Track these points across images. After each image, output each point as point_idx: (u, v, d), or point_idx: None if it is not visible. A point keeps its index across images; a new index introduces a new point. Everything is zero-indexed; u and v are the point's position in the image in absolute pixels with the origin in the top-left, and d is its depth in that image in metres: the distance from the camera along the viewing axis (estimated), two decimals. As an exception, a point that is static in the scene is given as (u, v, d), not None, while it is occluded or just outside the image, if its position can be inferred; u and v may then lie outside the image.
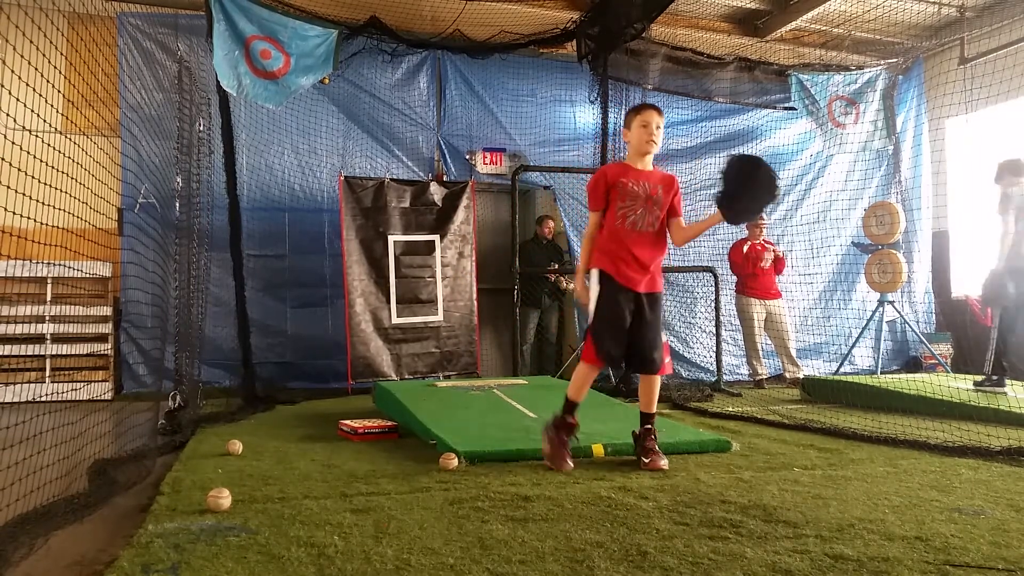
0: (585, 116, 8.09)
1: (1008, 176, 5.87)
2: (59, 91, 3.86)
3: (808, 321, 8.46)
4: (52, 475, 2.80)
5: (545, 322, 8.25)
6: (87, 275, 6.65)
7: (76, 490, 2.87)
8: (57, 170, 3.08)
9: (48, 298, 6.63)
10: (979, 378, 6.01)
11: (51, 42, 3.61)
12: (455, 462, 3.39)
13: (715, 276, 7.46)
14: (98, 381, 6.74)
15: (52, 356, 6.62)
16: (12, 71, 2.88)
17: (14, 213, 2.63)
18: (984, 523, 2.49)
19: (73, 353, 6.70)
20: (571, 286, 3.86)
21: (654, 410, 3.54)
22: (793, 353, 7.64)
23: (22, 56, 2.99)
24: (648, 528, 2.44)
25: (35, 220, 2.81)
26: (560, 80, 8.30)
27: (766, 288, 7.63)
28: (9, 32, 3.09)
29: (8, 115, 2.69)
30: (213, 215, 6.34)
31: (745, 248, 7.64)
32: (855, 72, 8.42)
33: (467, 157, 8.05)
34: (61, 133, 3.32)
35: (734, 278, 7.79)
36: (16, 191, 2.68)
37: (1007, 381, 5.81)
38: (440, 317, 7.33)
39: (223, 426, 4.82)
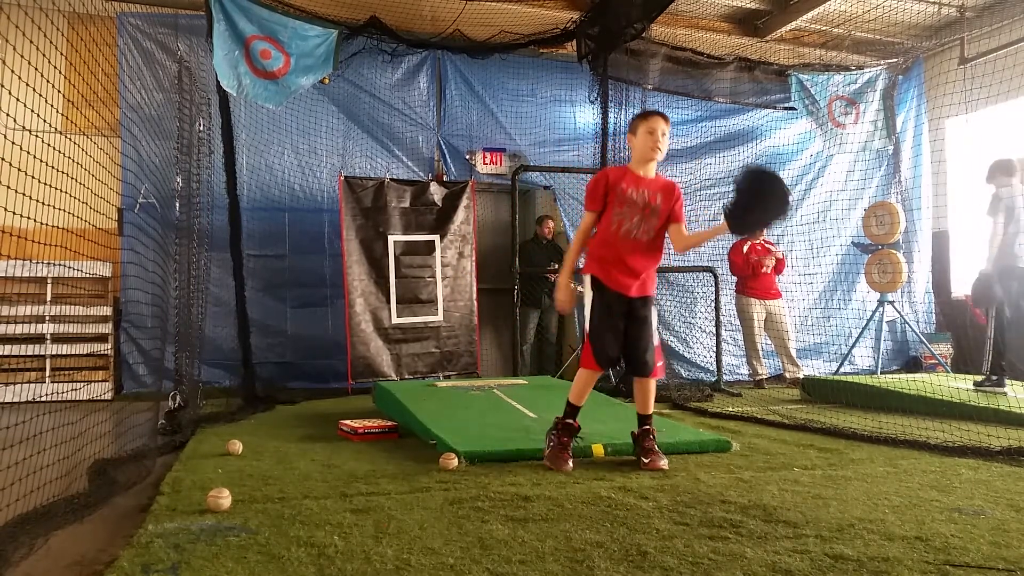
0: (585, 116, 8.09)
1: (1000, 176, 5.88)
2: (59, 91, 3.85)
3: (808, 321, 8.46)
4: (52, 475, 2.80)
5: (545, 322, 8.25)
6: (87, 275, 6.65)
7: (76, 490, 2.87)
8: (57, 170, 3.08)
9: (48, 298, 6.63)
10: (979, 378, 6.01)
11: (51, 42, 3.61)
12: (455, 462, 3.39)
13: (715, 276, 7.46)
14: (98, 381, 6.74)
15: (52, 356, 6.62)
16: (12, 71, 2.88)
17: (14, 213, 2.63)
18: (984, 523, 2.49)
19: (73, 353, 6.70)
20: (580, 288, 3.85)
21: (651, 411, 3.54)
22: (793, 353, 7.64)
23: (22, 56, 2.99)
24: (648, 528, 2.44)
25: (35, 220, 2.81)
26: (560, 80, 8.30)
27: (766, 288, 7.63)
28: (9, 32, 3.09)
29: (8, 115, 2.69)
30: (213, 215, 6.34)
31: (745, 248, 7.64)
32: (855, 72, 8.42)
33: (467, 157, 8.05)
34: (61, 133, 3.32)
35: (734, 278, 7.79)
36: (16, 191, 2.68)
37: (1007, 381, 5.81)
38: (440, 317, 7.33)
39: (223, 426, 4.82)
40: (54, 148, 3.10)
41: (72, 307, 6.65)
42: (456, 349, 7.38)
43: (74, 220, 3.29)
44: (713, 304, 7.51)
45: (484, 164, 8.05)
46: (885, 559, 2.11)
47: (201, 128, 6.13)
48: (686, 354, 8.12)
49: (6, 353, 6.52)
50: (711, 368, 7.67)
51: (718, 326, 7.39)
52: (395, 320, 7.16)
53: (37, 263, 5.90)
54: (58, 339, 6.64)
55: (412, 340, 7.23)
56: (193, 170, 5.84)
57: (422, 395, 5.18)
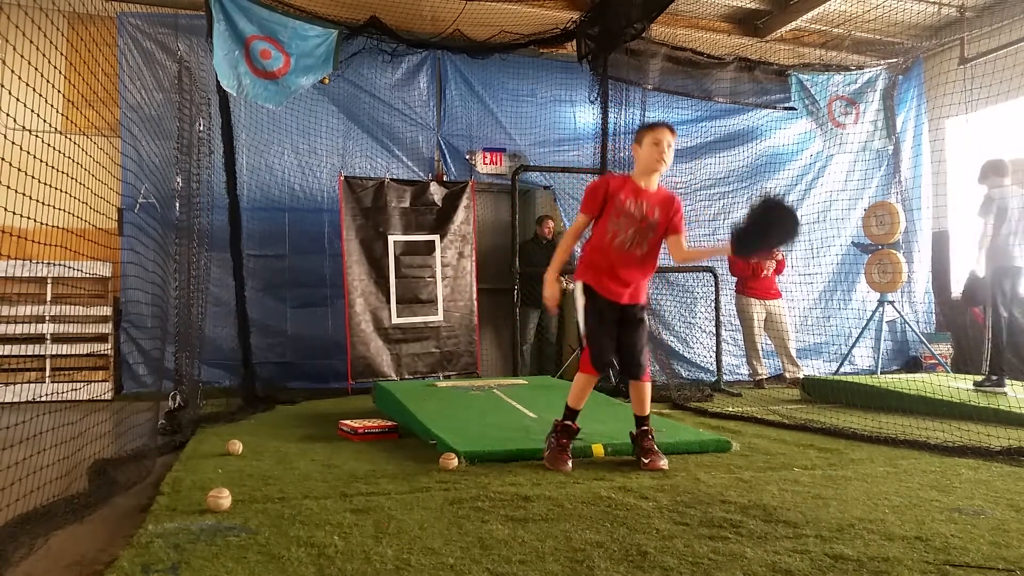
0: (585, 116, 8.09)
1: (993, 177, 5.89)
2: (59, 91, 3.86)
3: (808, 321, 8.46)
4: (52, 475, 2.80)
5: (545, 322, 8.26)
6: (87, 275, 6.65)
7: (76, 490, 2.87)
8: (57, 170, 3.08)
9: (48, 298, 6.63)
10: (979, 378, 6.01)
11: (51, 42, 3.61)
12: (455, 462, 3.40)
13: (715, 276, 7.46)
14: (98, 381, 6.74)
15: (52, 356, 6.62)
16: (12, 71, 2.88)
17: (14, 213, 2.63)
18: (984, 523, 2.49)
19: (73, 353, 6.70)
20: (571, 286, 3.84)
21: (647, 412, 3.54)
22: (793, 353, 7.64)
23: (22, 56, 2.99)
24: (648, 528, 2.44)
25: (35, 220, 2.81)
26: (560, 80, 8.30)
27: (766, 288, 7.64)
28: (9, 32, 3.09)
29: (8, 115, 2.69)
30: (213, 215, 6.34)
31: (745, 248, 7.63)
32: (855, 72, 8.42)
33: (467, 157, 8.05)
34: (61, 133, 3.32)
35: (734, 278, 7.79)
36: (16, 191, 2.68)
37: (1007, 381, 5.82)
38: (440, 317, 7.33)
39: (223, 426, 4.82)
40: (54, 148, 3.10)
41: (72, 307, 6.65)
42: (456, 349, 7.38)
43: (74, 220, 3.29)
44: (713, 304, 7.51)
45: (484, 164, 8.06)
46: (885, 559, 2.11)
47: (201, 128, 6.13)
48: (686, 354, 8.12)
49: (6, 353, 6.52)
50: (711, 368, 7.67)
51: (718, 326, 7.39)
52: (395, 320, 7.16)
53: (37, 263, 5.90)
54: (58, 339, 6.64)
55: (412, 340, 7.23)
56: (193, 170, 5.84)
57: (422, 395, 5.18)
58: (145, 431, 4.33)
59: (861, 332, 8.05)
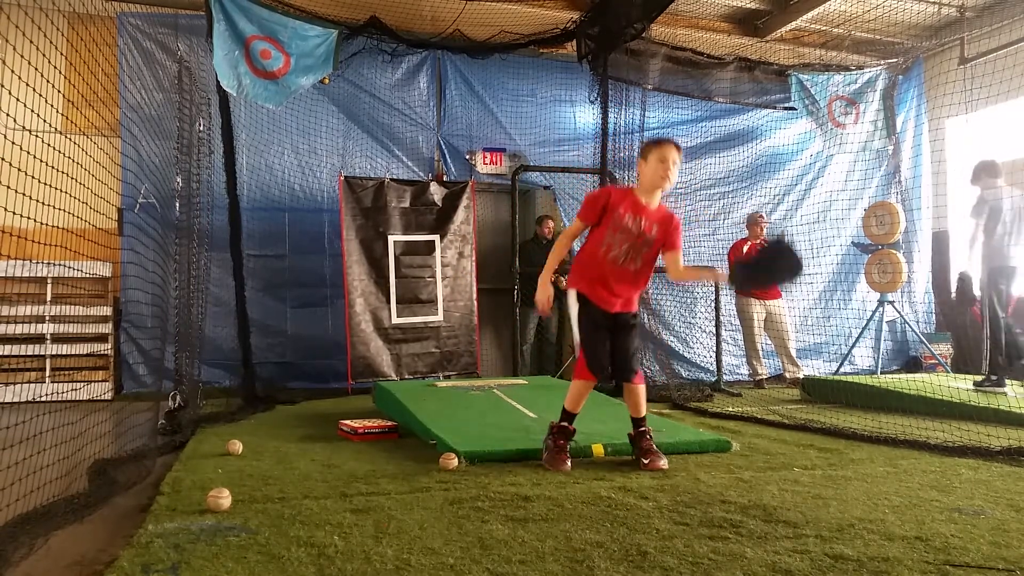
0: (585, 116, 8.09)
1: (985, 178, 5.93)
2: (59, 91, 3.85)
3: (808, 321, 8.46)
4: (52, 475, 2.80)
5: (545, 322, 8.25)
6: (87, 275, 6.65)
7: (76, 490, 2.87)
8: (57, 170, 3.08)
9: (48, 298, 6.63)
10: (979, 378, 6.02)
11: (51, 42, 3.61)
12: (455, 462, 3.40)
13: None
14: (98, 381, 6.74)
15: (52, 356, 6.62)
16: (12, 71, 2.88)
17: (14, 213, 2.63)
18: (984, 523, 2.50)
19: (73, 353, 6.70)
20: (563, 281, 3.84)
21: (643, 413, 3.55)
22: (793, 353, 7.64)
23: (22, 56, 2.99)
24: (648, 528, 2.44)
25: (35, 220, 2.81)
26: (560, 80, 8.30)
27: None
28: (9, 32, 3.09)
29: (8, 115, 2.69)
30: (213, 215, 6.34)
31: (745, 248, 7.64)
32: (855, 72, 8.42)
33: (467, 157, 8.05)
34: (61, 133, 3.32)
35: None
36: (16, 191, 2.68)
37: (1007, 381, 5.82)
38: (440, 317, 7.33)
39: (223, 426, 4.82)
40: (54, 148, 3.10)
41: (72, 307, 6.65)
42: (456, 349, 7.38)
43: (74, 220, 3.29)
44: (713, 304, 7.51)
45: (484, 164, 8.06)
46: (885, 559, 2.11)
47: (201, 128, 6.13)
48: (686, 354, 8.13)
49: (6, 353, 6.52)
50: (711, 368, 7.67)
51: (718, 326, 7.39)
52: (395, 320, 7.16)
53: (37, 263, 5.90)
54: (58, 339, 6.64)
55: (412, 340, 7.23)
56: (193, 170, 5.84)
57: (422, 395, 5.18)
58: (145, 431, 4.33)
59: (861, 332, 8.05)
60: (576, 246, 3.88)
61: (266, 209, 7.33)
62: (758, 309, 7.60)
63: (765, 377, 7.60)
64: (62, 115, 4.48)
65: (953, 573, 2.01)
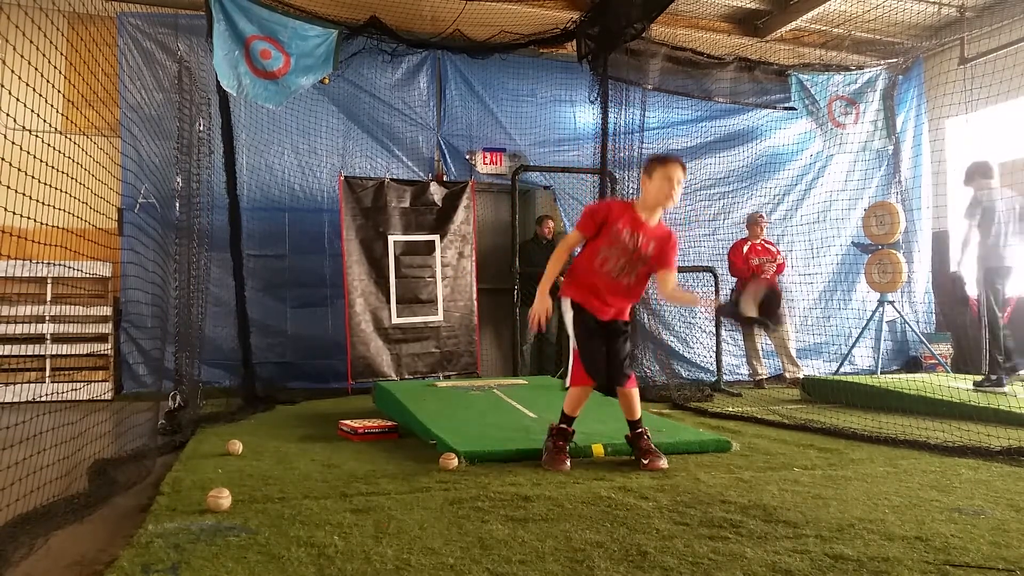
0: (585, 116, 8.09)
1: (979, 179, 5.98)
2: (59, 91, 3.85)
3: (808, 321, 8.46)
4: (52, 475, 2.80)
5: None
6: (87, 275, 6.65)
7: (76, 490, 2.87)
8: (57, 170, 3.08)
9: (48, 298, 6.63)
10: (979, 378, 6.02)
11: (51, 42, 3.61)
12: (455, 462, 3.40)
13: (715, 276, 7.46)
14: (98, 381, 6.74)
15: (52, 356, 6.62)
16: (12, 71, 2.88)
17: (14, 213, 2.63)
18: (984, 523, 2.49)
19: (73, 353, 6.70)
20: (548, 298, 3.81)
21: (638, 415, 3.55)
22: (793, 353, 7.63)
23: (22, 56, 2.99)
24: (648, 528, 2.44)
25: (35, 220, 2.81)
26: (560, 80, 8.30)
27: (766, 288, 7.62)
28: (9, 32, 3.09)
29: (8, 115, 2.69)
30: (213, 215, 6.34)
31: (745, 248, 7.64)
32: (855, 72, 8.42)
33: (467, 157, 8.05)
34: (61, 133, 3.32)
35: (734, 279, 7.78)
36: (16, 191, 2.68)
37: (1007, 381, 5.83)
38: (440, 317, 7.33)
39: (223, 426, 4.82)
40: (54, 148, 3.10)
41: (72, 307, 6.65)
42: (456, 349, 7.38)
43: (74, 220, 3.29)
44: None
45: (484, 164, 8.06)
46: (885, 559, 2.11)
47: (201, 128, 6.13)
48: (686, 354, 8.12)
49: (6, 353, 6.52)
50: (711, 368, 7.67)
51: (718, 326, 7.39)
52: (395, 320, 7.16)
53: (37, 263, 5.89)
54: (58, 339, 6.64)
55: (412, 340, 7.23)
56: (193, 170, 5.84)
57: (422, 395, 5.18)
58: (145, 431, 4.33)
59: (861, 332, 8.05)
60: (575, 251, 3.88)
61: (266, 209, 7.33)
62: (758, 309, 7.59)
63: (765, 377, 7.60)
64: (62, 115, 4.48)
65: (953, 573, 2.01)
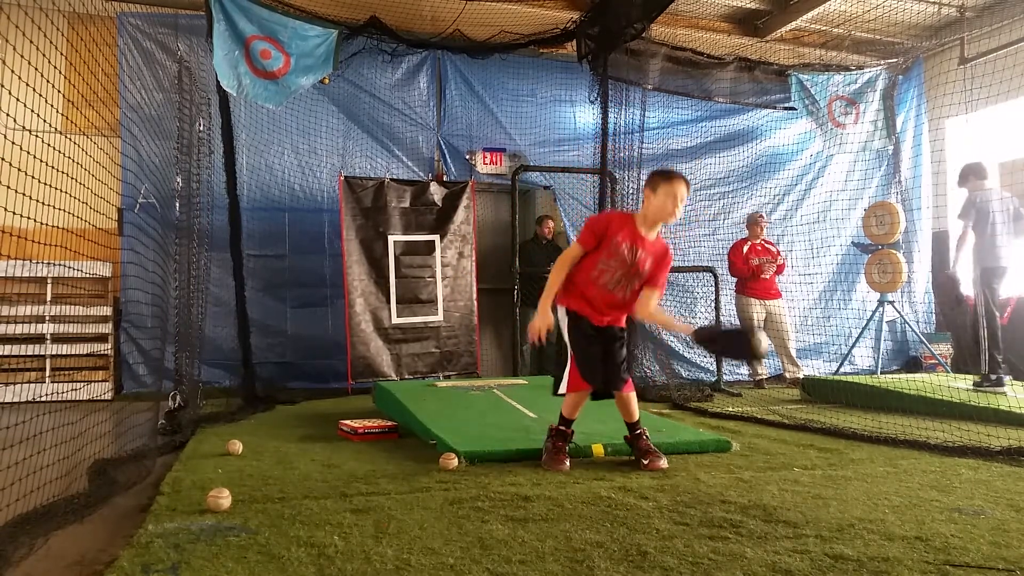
0: (585, 116, 8.09)
1: (973, 180, 6.02)
2: (59, 91, 3.85)
3: (808, 321, 8.46)
4: (52, 475, 2.80)
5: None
6: (87, 275, 6.65)
7: (76, 490, 2.87)
8: (57, 170, 3.08)
9: (48, 298, 6.63)
10: (978, 378, 6.02)
11: (51, 42, 3.61)
12: (455, 462, 3.40)
13: (715, 276, 7.46)
14: (98, 381, 6.74)
15: (52, 356, 6.62)
16: (12, 71, 2.88)
17: (14, 213, 2.63)
18: (984, 523, 2.50)
19: (73, 353, 6.70)
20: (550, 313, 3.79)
21: (636, 417, 3.56)
22: (793, 353, 7.63)
23: (22, 56, 2.99)
24: (648, 528, 2.44)
25: (35, 220, 2.81)
26: (560, 80, 8.30)
27: (766, 288, 7.63)
28: (9, 32, 3.09)
29: (8, 115, 2.69)
30: (213, 215, 6.34)
31: (745, 248, 7.64)
32: (855, 72, 8.42)
33: (467, 157, 8.05)
34: (61, 133, 3.32)
35: (734, 279, 7.79)
36: (16, 191, 2.68)
37: (1007, 381, 5.83)
38: (440, 317, 7.33)
39: (223, 426, 4.82)
40: (54, 148, 3.10)
41: (72, 307, 6.65)
42: (456, 349, 7.38)
43: (74, 220, 3.29)
44: (713, 304, 7.51)
45: (484, 164, 8.06)
46: (885, 559, 2.11)
47: (201, 128, 6.13)
48: (686, 354, 8.12)
49: (6, 353, 6.51)
50: (711, 368, 7.67)
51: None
52: (395, 320, 7.15)
53: (37, 263, 5.89)
54: (58, 339, 6.64)
55: (412, 340, 7.23)
56: (193, 170, 5.84)
57: (422, 395, 5.18)
58: (145, 431, 4.33)
59: (861, 332, 8.05)
60: None
61: (266, 209, 7.33)
62: (758, 309, 7.60)
63: (765, 377, 7.60)
64: (62, 115, 4.48)
65: (953, 573, 2.01)
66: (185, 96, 5.93)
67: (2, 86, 2.70)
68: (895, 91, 8.69)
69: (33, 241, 2.94)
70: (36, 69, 3.06)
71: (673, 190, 3.35)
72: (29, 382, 6.47)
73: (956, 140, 8.20)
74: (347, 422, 4.46)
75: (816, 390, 6.26)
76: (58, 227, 3.01)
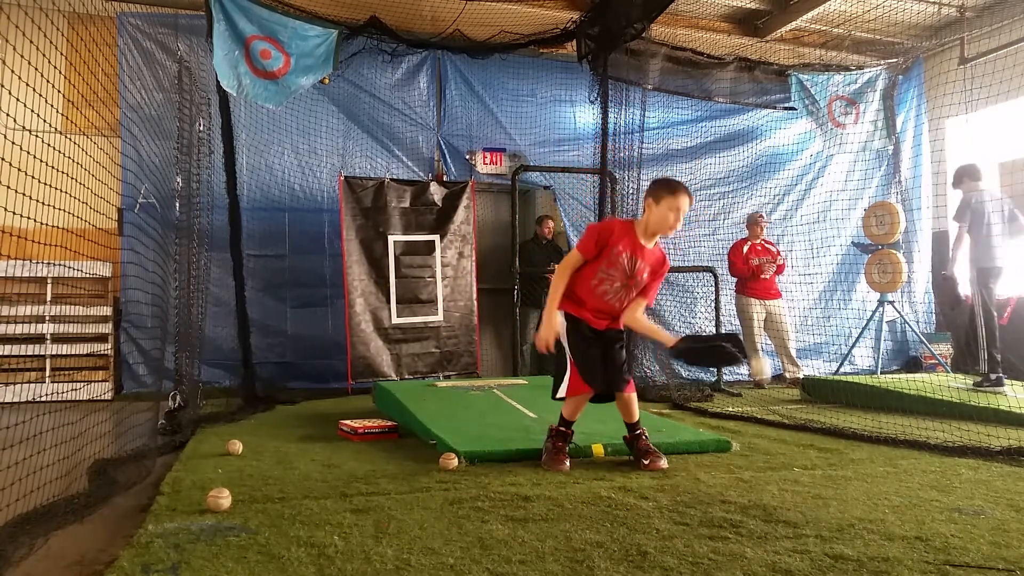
0: (585, 116, 8.09)
1: (967, 181, 6.06)
2: (59, 91, 3.85)
3: (808, 321, 8.46)
4: (52, 475, 2.80)
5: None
6: (87, 275, 6.65)
7: (76, 490, 2.87)
8: (57, 170, 3.08)
9: (48, 298, 6.63)
10: (978, 378, 6.02)
11: (51, 42, 3.61)
12: (455, 462, 3.40)
13: (715, 276, 7.46)
14: (98, 381, 6.74)
15: (52, 356, 6.62)
16: (12, 71, 2.88)
17: (14, 213, 2.63)
18: (984, 523, 2.49)
19: (73, 353, 6.70)
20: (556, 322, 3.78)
21: (636, 418, 3.56)
22: (793, 353, 7.63)
23: (22, 56, 2.99)
24: (648, 528, 2.44)
25: (35, 220, 2.81)
26: (560, 80, 8.30)
27: (766, 288, 7.63)
28: (9, 32, 3.09)
29: (8, 115, 2.69)
30: (213, 215, 6.34)
31: (745, 248, 7.64)
32: (855, 72, 8.42)
33: (467, 157, 8.05)
34: (61, 133, 3.32)
35: (734, 279, 7.79)
36: (16, 191, 2.68)
37: (1006, 381, 5.83)
38: (440, 317, 7.33)
39: (223, 426, 4.82)
40: (54, 148, 3.10)
41: (72, 307, 6.65)
42: (456, 349, 7.38)
43: (74, 220, 3.29)
44: (713, 304, 7.51)
45: (484, 164, 8.06)
46: (885, 559, 2.11)
47: (201, 128, 6.13)
48: (686, 354, 8.10)
49: (6, 353, 6.51)
50: (711, 368, 7.66)
51: (718, 326, 7.38)
52: (395, 320, 7.15)
53: (37, 263, 5.90)
54: (58, 339, 6.64)
55: (412, 340, 7.23)
56: (193, 170, 5.84)
57: (422, 395, 5.17)
58: (145, 431, 4.33)
59: (861, 332, 8.05)
60: None
61: (266, 209, 7.33)
62: (758, 309, 7.60)
63: (765, 378, 7.59)
64: (62, 115, 4.48)
65: (953, 573, 2.01)
66: (185, 96, 5.93)
67: (2, 86, 2.70)
68: (895, 91, 8.69)
69: (33, 241, 2.94)
70: (36, 69, 3.06)
71: (677, 204, 3.34)
72: (29, 382, 6.47)
73: (956, 140, 8.19)
74: (347, 422, 4.46)
75: (816, 390, 6.26)
76: (58, 227, 3.01)
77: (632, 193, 7.05)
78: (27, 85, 2.91)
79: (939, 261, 8.75)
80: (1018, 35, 7.27)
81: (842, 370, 8.05)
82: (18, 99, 2.79)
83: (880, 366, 7.94)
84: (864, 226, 7.98)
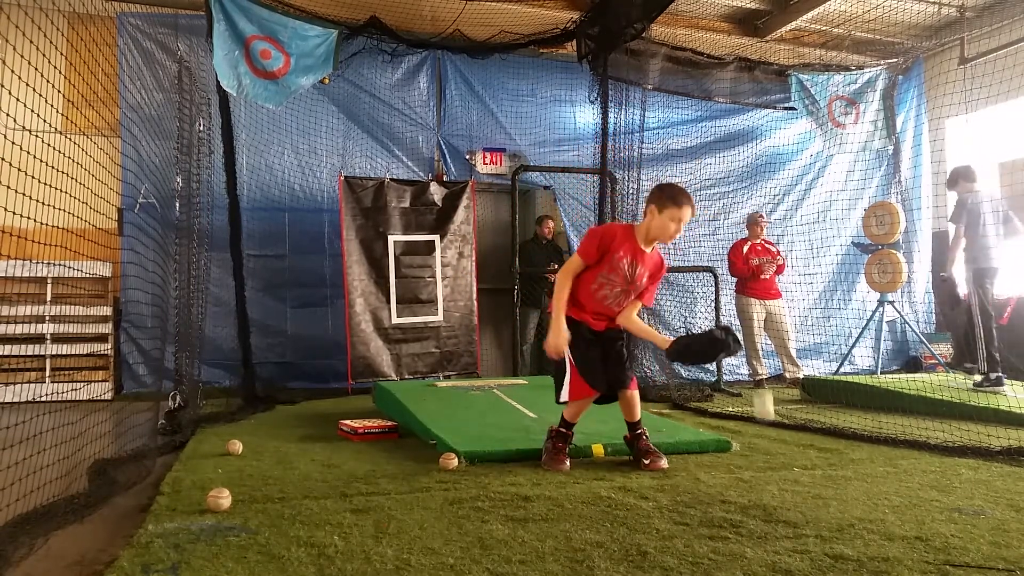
0: (585, 116, 8.09)
1: (963, 183, 6.08)
2: (59, 91, 3.85)
3: (808, 321, 8.46)
4: (52, 475, 2.80)
5: (545, 322, 8.25)
6: (87, 275, 6.65)
7: (76, 490, 2.87)
8: (57, 170, 3.08)
9: (48, 298, 6.63)
10: (978, 378, 6.03)
11: (51, 42, 3.61)
12: (455, 462, 3.40)
13: (715, 276, 7.46)
14: (98, 381, 6.74)
15: (52, 356, 6.62)
16: (12, 71, 2.88)
17: (14, 213, 2.63)
18: (984, 523, 2.49)
19: (73, 353, 6.70)
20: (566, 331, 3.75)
21: (638, 417, 3.56)
22: (793, 353, 7.63)
23: (22, 56, 2.99)
24: (648, 528, 2.44)
25: (35, 220, 2.81)
26: (560, 80, 8.30)
27: (766, 288, 7.63)
28: (9, 32, 3.09)
29: (8, 115, 2.69)
30: (213, 215, 6.34)
31: (745, 248, 7.64)
32: (855, 72, 8.42)
33: (467, 157, 8.05)
34: (61, 133, 3.32)
35: (734, 279, 7.79)
36: (16, 191, 2.68)
37: (1006, 380, 5.84)
38: (440, 317, 7.33)
39: (223, 426, 4.82)
40: (54, 148, 3.10)
41: (72, 307, 6.65)
42: (456, 349, 7.38)
43: (74, 220, 3.29)
44: (713, 304, 7.51)
45: (484, 164, 8.06)
46: (885, 559, 2.11)
47: (201, 128, 6.13)
48: (686, 354, 8.10)
49: (6, 353, 6.51)
50: (711, 368, 7.67)
51: (718, 326, 7.38)
52: (395, 320, 7.15)
53: (37, 263, 5.89)
54: (58, 339, 6.64)
55: (412, 340, 7.23)
56: (193, 170, 5.84)
57: (422, 395, 5.18)
58: (145, 431, 4.33)
59: (861, 332, 8.05)
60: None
61: (266, 209, 7.33)
62: (758, 309, 7.60)
63: (765, 377, 7.60)
64: (62, 115, 4.48)
65: (953, 573, 2.01)
66: (185, 96, 5.94)
67: (2, 86, 2.70)
68: (895, 91, 8.69)
69: (33, 241, 2.94)
70: (36, 69, 3.06)
71: (680, 215, 3.35)
72: (29, 382, 6.47)
73: (956, 140, 8.19)
74: (347, 422, 4.46)
75: (816, 390, 6.26)
76: (58, 227, 3.01)
77: (632, 193, 7.05)
78: (27, 85, 2.91)
79: (939, 261, 8.76)
80: (1018, 35, 7.27)
81: (842, 370, 8.05)
82: (18, 99, 2.79)
83: (880, 366, 7.94)
84: (864, 226, 7.98)
